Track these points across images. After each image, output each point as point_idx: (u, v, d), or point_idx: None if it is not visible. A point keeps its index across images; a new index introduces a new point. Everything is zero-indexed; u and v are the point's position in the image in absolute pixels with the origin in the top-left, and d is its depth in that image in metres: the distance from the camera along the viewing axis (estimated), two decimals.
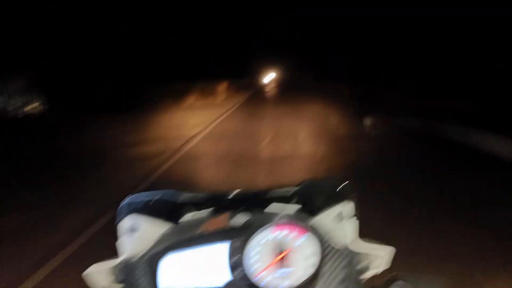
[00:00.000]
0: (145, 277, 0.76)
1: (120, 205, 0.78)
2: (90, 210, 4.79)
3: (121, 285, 0.79)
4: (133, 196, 0.79)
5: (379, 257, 0.78)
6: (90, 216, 4.57)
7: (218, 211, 0.87)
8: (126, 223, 0.77)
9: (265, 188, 0.83)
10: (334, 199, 0.79)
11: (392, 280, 0.80)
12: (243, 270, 0.74)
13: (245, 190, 0.83)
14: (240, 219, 0.84)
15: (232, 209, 0.85)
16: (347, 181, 0.78)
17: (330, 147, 7.74)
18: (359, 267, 0.78)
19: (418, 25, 20.44)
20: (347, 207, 0.76)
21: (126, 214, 0.77)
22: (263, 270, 0.74)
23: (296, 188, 0.82)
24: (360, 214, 0.76)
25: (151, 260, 0.78)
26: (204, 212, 0.87)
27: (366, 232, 0.82)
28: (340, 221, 0.77)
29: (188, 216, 0.87)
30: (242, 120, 13.26)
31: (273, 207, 0.87)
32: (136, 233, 0.78)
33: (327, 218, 0.80)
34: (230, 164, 6.88)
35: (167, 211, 0.84)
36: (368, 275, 0.80)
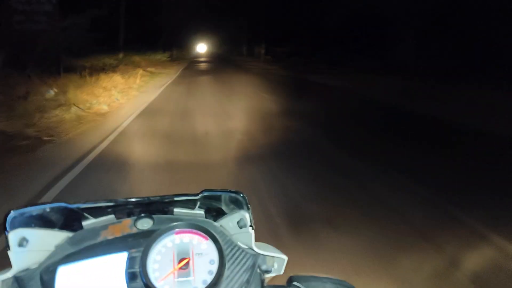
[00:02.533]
0: None
1: (6, 217, 0.73)
2: None
3: None
4: (18, 210, 0.74)
5: (280, 260, 0.81)
6: None
7: (119, 217, 0.84)
8: (14, 237, 0.72)
9: (168, 194, 0.82)
10: (233, 206, 0.80)
11: (290, 281, 0.83)
12: (140, 282, 0.73)
13: (147, 197, 0.81)
14: (143, 225, 0.83)
15: (134, 215, 0.84)
16: (243, 194, 0.80)
17: None
18: (262, 268, 0.80)
19: None
20: (245, 216, 0.77)
21: (14, 227, 0.72)
22: (162, 279, 0.74)
23: (198, 196, 0.82)
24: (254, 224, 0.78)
25: (46, 272, 0.75)
26: (104, 219, 0.84)
27: None
28: (242, 227, 0.78)
29: (87, 224, 0.84)
30: None
31: (176, 213, 0.86)
32: (27, 246, 0.74)
33: (231, 222, 0.82)
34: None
35: (61, 221, 0.80)
36: (269, 276, 0.83)
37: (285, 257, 0.79)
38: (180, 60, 30.58)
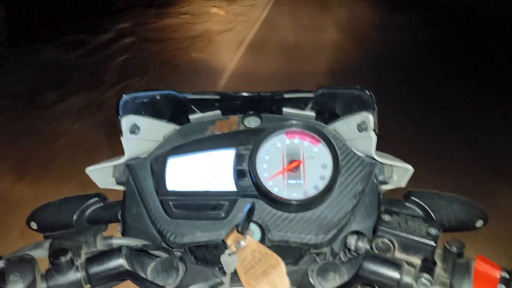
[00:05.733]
0: (149, 179, 0.73)
1: (119, 101, 0.71)
2: None
3: (122, 187, 0.76)
4: (130, 94, 0.72)
5: (401, 171, 0.72)
6: None
7: (226, 113, 0.79)
8: (126, 123, 0.71)
9: (279, 91, 0.74)
10: (354, 107, 0.70)
11: (408, 196, 0.74)
12: (248, 179, 0.69)
13: (257, 92, 0.74)
14: (250, 123, 0.77)
15: (242, 112, 0.78)
16: (369, 91, 0.68)
17: None
18: (380, 178, 0.72)
19: None
20: (369, 118, 0.67)
21: (126, 113, 0.71)
22: (270, 178, 0.69)
23: (312, 94, 0.73)
24: (379, 129, 0.68)
25: (156, 162, 0.74)
26: (211, 115, 0.80)
27: None
28: (363, 131, 0.69)
29: (194, 118, 0.80)
30: None
31: (285, 113, 0.79)
32: (138, 134, 0.73)
33: (347, 126, 0.73)
34: None
35: (170, 112, 0.77)
36: (386, 188, 0.74)
37: (410, 168, 0.69)
38: None
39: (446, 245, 0.56)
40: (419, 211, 0.73)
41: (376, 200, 0.70)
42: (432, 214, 0.72)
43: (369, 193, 0.70)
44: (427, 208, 0.72)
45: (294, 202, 0.66)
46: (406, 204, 0.74)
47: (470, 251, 0.55)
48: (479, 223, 0.73)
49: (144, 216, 0.71)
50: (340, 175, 0.69)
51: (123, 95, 0.70)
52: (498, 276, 0.50)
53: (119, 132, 0.70)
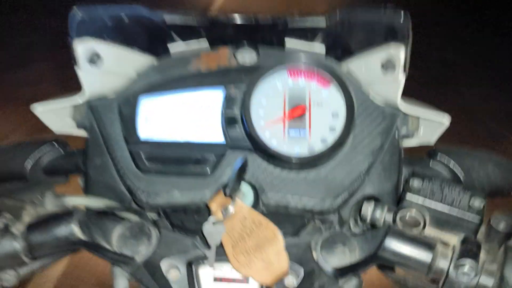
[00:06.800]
0: (117, 123, 0.58)
1: (71, 16, 0.54)
2: None
3: (84, 131, 0.62)
4: (85, 8, 0.55)
5: (430, 123, 0.58)
6: None
7: (215, 43, 0.63)
8: (83, 49, 0.55)
9: (281, 17, 0.57)
10: (378, 38, 0.54)
11: (434, 154, 0.61)
12: (240, 128, 0.55)
13: (254, 17, 0.58)
14: (244, 56, 0.61)
15: (234, 43, 0.62)
16: (402, 12, 0.52)
17: None
18: (402, 132, 0.58)
19: None
20: (398, 52, 0.52)
21: (82, 35, 0.55)
22: (268, 127, 0.55)
23: (324, 20, 0.57)
24: (408, 65, 0.52)
25: (126, 104, 0.59)
26: (195, 44, 0.64)
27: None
28: (387, 70, 0.54)
29: (173, 48, 0.64)
30: None
31: (290, 45, 0.63)
32: (100, 65, 0.57)
33: (367, 64, 0.57)
34: None
35: (143, 38, 0.61)
36: (409, 144, 0.61)
37: (445, 119, 0.55)
38: None
39: (491, 222, 0.44)
40: (445, 173, 0.60)
41: (397, 159, 0.57)
42: (461, 178, 0.59)
43: (388, 150, 0.57)
44: (456, 170, 0.59)
45: (296, 159, 0.53)
46: (430, 165, 0.61)
47: None
48: None
49: (110, 169, 0.58)
50: (355, 126, 0.55)
51: (74, 7, 0.54)
52: None
53: (73, 61, 0.54)
